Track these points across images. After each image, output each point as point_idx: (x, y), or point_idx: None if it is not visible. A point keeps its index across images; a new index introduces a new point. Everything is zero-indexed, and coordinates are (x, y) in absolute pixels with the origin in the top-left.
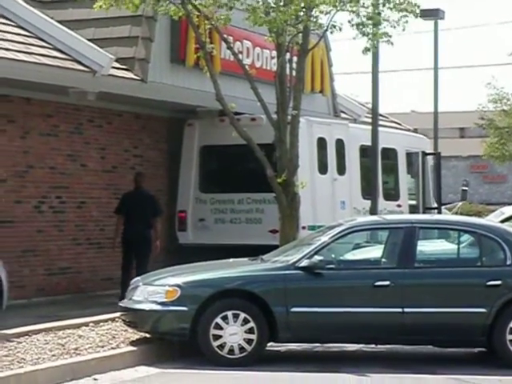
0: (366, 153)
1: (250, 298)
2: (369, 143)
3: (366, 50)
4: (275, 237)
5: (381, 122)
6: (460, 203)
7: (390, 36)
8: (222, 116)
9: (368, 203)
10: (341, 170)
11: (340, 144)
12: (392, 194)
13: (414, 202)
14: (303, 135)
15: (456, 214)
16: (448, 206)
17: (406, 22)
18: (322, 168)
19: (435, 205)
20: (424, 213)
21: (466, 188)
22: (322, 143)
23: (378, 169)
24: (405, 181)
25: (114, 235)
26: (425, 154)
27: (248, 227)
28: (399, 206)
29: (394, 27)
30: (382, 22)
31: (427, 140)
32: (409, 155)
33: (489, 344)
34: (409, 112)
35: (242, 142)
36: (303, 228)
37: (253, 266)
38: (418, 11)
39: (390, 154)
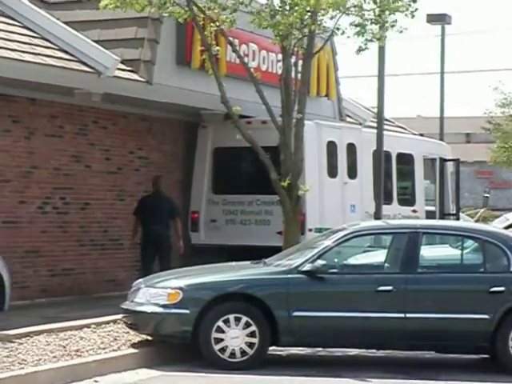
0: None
1: (252, 301)
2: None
3: (360, 49)
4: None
5: (387, 127)
6: (482, 210)
7: (385, 37)
8: (249, 119)
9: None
10: (352, 173)
11: (351, 148)
12: (407, 200)
13: (432, 208)
14: (312, 138)
15: (478, 220)
16: (469, 212)
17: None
18: (332, 171)
19: (454, 211)
20: (442, 219)
21: (488, 195)
22: (331, 147)
23: (382, 173)
24: (422, 186)
25: (131, 236)
26: (444, 160)
27: (257, 228)
28: (415, 211)
29: (401, 31)
30: (388, 26)
31: (447, 146)
32: (427, 161)
33: (491, 350)
34: (415, 117)
35: (268, 144)
36: (310, 230)
37: (255, 270)
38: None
39: (406, 159)
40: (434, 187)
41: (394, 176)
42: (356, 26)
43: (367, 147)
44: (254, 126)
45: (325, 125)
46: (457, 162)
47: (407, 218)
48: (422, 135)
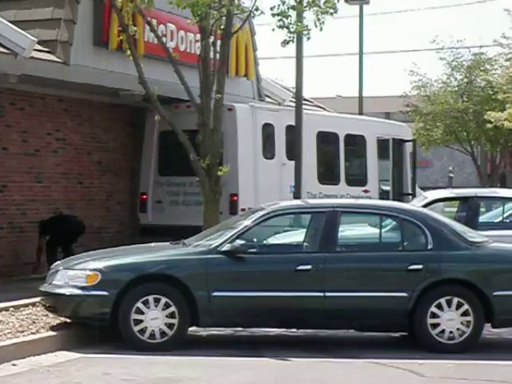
0: (327, 139)
1: (172, 282)
2: (328, 129)
3: (286, 42)
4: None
5: (306, 107)
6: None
7: (310, 29)
8: (177, 103)
9: (327, 188)
10: (291, 155)
11: (291, 130)
12: (358, 180)
13: (387, 188)
14: (246, 121)
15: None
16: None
17: (323, 22)
18: (268, 153)
19: (411, 191)
20: (398, 199)
21: (452, 175)
22: (268, 129)
23: (302, 152)
24: (375, 167)
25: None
26: (402, 141)
27: (198, 209)
28: (366, 191)
29: (316, 26)
30: (304, 16)
31: (406, 127)
32: (382, 142)
33: (410, 328)
34: (334, 96)
35: (195, 128)
36: (243, 210)
37: (174, 251)
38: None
39: (356, 141)
40: (390, 167)
41: (341, 157)
42: (278, 14)
43: (310, 129)
44: (181, 110)
45: (260, 107)
46: (413, 142)
47: (355, 197)
48: None
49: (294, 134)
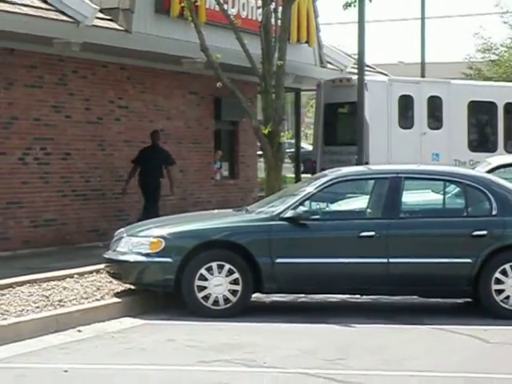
0: (482, 108)
1: (235, 249)
2: (482, 99)
3: (347, 5)
4: None
5: (368, 73)
6: None
7: None
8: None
9: (477, 155)
10: (434, 124)
11: (434, 100)
12: None
13: None
14: (382, 93)
15: None
16: None
17: None
18: (406, 123)
19: None
20: None
21: None
22: (406, 100)
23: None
24: None
25: (126, 182)
26: None
27: None
28: None
29: None
30: None
31: None
32: None
33: (474, 294)
34: (396, 63)
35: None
36: None
37: (237, 217)
38: None
39: None
40: None
41: (499, 125)
42: None
43: (459, 99)
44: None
45: (396, 80)
46: None
47: None
48: None
49: (438, 104)
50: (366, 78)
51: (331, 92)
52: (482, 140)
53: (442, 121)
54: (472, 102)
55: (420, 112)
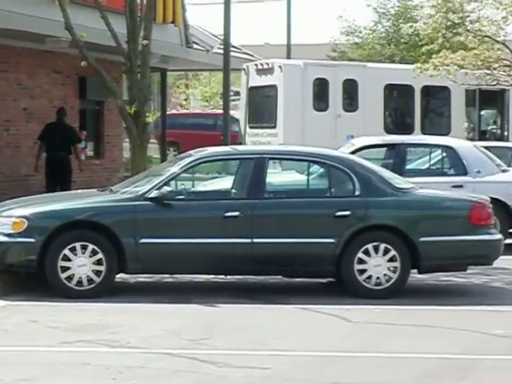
0: (399, 91)
1: (99, 229)
2: (399, 82)
3: None
4: None
5: (234, 54)
6: None
7: None
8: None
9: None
10: (349, 107)
11: (349, 83)
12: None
13: None
14: (297, 77)
15: None
16: None
17: None
18: (320, 105)
19: None
20: None
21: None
22: (321, 83)
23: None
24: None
25: (36, 159)
26: None
27: None
28: None
29: None
30: None
31: None
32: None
33: (338, 274)
34: (262, 44)
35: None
36: None
37: (101, 197)
38: None
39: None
40: None
41: (416, 108)
42: None
43: (375, 82)
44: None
45: (312, 64)
46: None
47: None
48: None
49: (352, 87)
50: (282, 61)
51: (254, 76)
52: (398, 122)
53: (358, 103)
54: (388, 84)
55: (335, 95)
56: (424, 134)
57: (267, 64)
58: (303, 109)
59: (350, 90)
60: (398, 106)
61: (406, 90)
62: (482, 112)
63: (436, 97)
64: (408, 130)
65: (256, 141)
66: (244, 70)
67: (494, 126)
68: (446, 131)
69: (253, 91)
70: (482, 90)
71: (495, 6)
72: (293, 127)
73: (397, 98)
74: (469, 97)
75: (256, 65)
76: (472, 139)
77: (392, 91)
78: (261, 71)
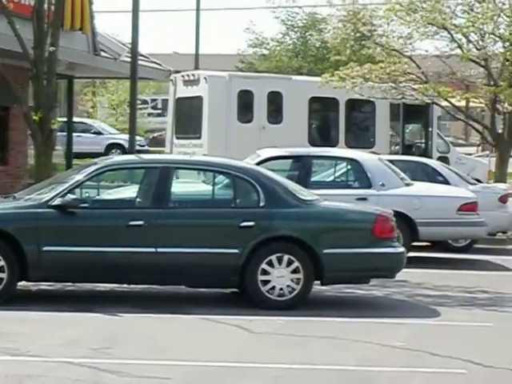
0: (324, 104)
1: (1, 236)
2: (323, 95)
3: None
4: None
5: (142, 62)
6: None
7: None
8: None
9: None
10: (274, 119)
11: (274, 96)
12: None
13: None
14: (221, 88)
15: None
16: None
17: None
18: (245, 117)
19: None
20: None
21: None
22: (245, 95)
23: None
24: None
25: None
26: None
27: None
28: None
29: None
30: None
31: None
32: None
33: (241, 285)
34: (171, 53)
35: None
36: None
37: (4, 204)
38: None
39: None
40: None
41: (341, 121)
42: None
43: (300, 95)
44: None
45: (237, 76)
46: None
47: None
48: (178, 72)
49: (277, 99)
50: (206, 72)
51: (181, 87)
52: (322, 134)
53: (283, 116)
54: (313, 97)
55: (260, 107)
56: (349, 147)
57: (193, 75)
58: (228, 120)
59: (275, 103)
60: (323, 119)
61: (330, 103)
62: (407, 126)
63: (361, 110)
64: (332, 142)
65: (182, 151)
66: (172, 80)
67: (419, 140)
68: (370, 145)
69: (180, 102)
70: (407, 105)
71: (400, 22)
72: (217, 138)
73: (321, 110)
74: (393, 111)
75: (183, 76)
76: (396, 153)
77: (317, 104)
78: (187, 82)
